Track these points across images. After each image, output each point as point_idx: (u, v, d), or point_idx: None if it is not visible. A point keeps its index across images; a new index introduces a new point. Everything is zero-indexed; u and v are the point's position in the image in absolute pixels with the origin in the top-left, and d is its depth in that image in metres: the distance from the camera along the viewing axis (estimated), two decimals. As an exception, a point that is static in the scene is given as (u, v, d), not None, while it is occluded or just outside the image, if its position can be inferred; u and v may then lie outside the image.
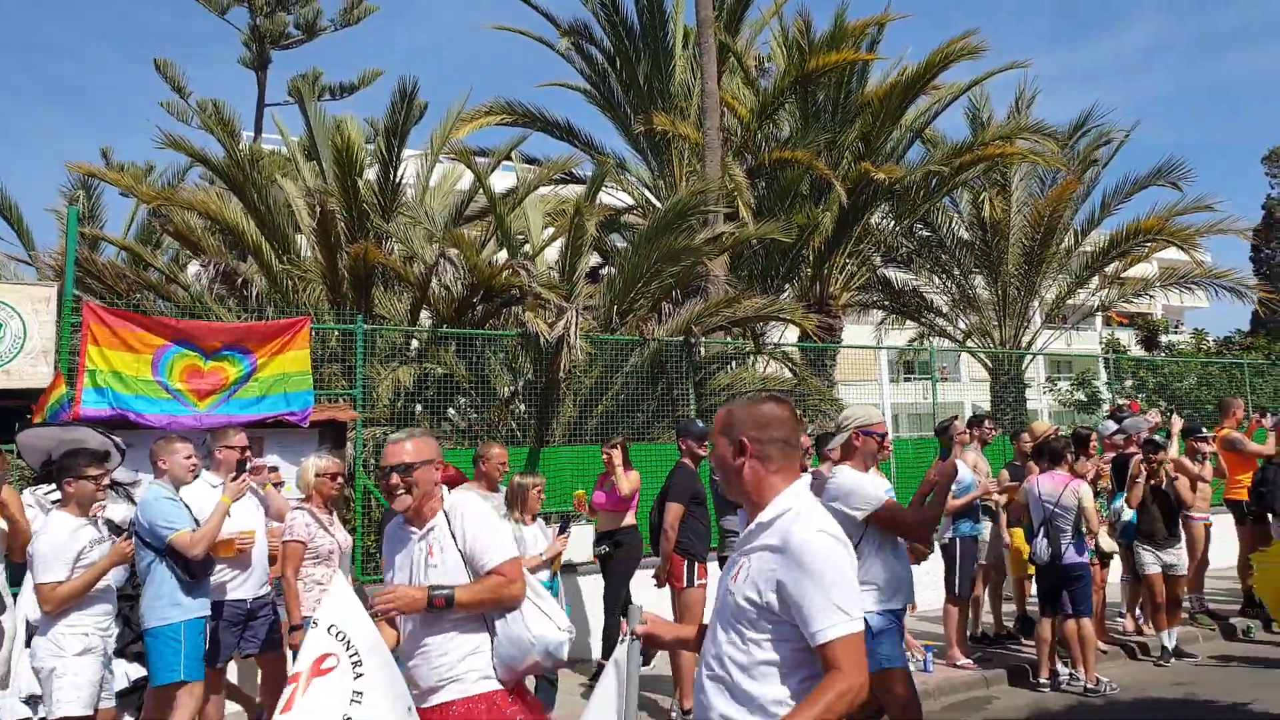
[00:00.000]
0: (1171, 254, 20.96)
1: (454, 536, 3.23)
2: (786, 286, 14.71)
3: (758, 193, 15.42)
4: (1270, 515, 8.65)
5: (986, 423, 8.63)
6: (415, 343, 10.00)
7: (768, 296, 11.68)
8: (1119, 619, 9.14)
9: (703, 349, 10.23)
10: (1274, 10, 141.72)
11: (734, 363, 11.40)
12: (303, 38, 29.01)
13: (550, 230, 13.51)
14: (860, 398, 14.80)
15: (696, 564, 6.50)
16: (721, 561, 6.85)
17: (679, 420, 8.30)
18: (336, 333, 9.43)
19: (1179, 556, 8.32)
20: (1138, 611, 8.95)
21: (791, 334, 13.66)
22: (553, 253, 12.64)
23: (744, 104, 15.93)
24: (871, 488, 4.63)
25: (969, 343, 18.37)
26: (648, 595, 6.84)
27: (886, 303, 18.90)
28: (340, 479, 5.14)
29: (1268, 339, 23.20)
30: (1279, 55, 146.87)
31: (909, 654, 7.86)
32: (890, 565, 4.63)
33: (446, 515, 3.28)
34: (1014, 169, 17.33)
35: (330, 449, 7.27)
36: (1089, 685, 7.11)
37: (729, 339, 11.02)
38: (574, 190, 15.43)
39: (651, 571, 6.82)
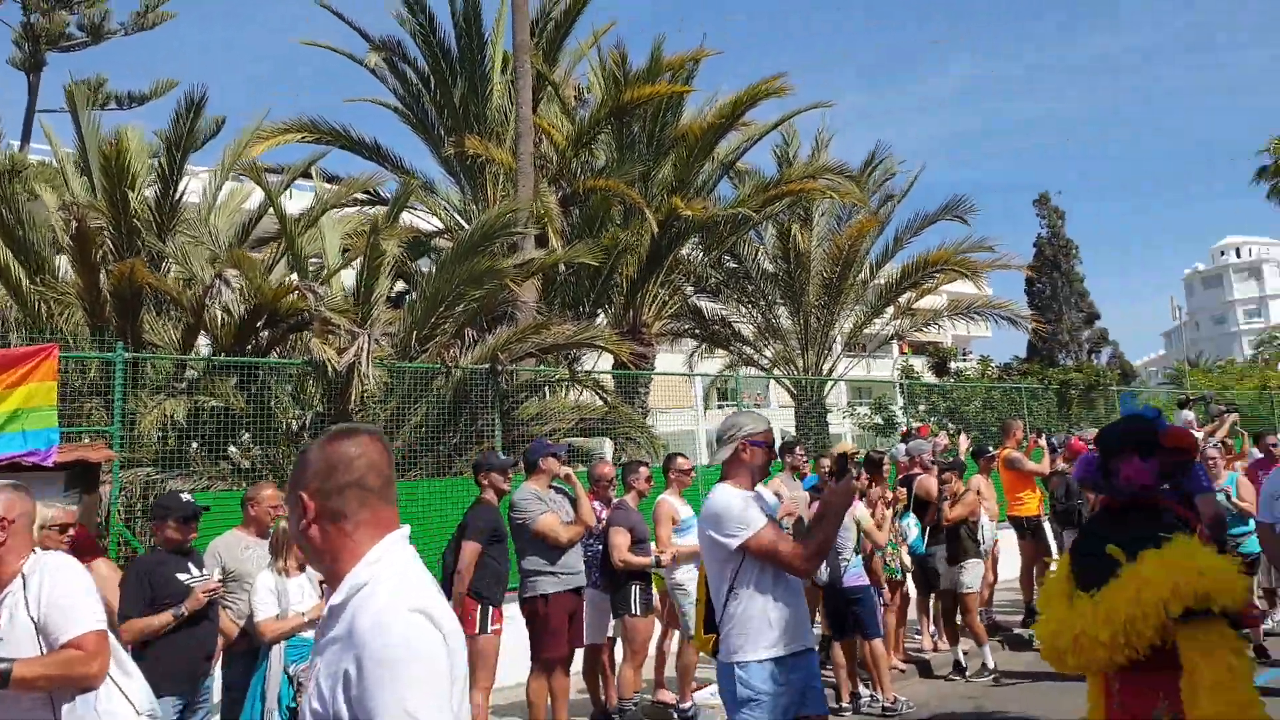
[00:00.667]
0: (958, 286, 22.43)
1: (27, 603, 2.79)
2: (599, 314, 14.59)
3: (571, 221, 15.33)
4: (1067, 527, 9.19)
5: (798, 449, 8.71)
6: (191, 372, 9.10)
7: (580, 323, 11.45)
8: (915, 636, 9.40)
9: (511, 377, 9.85)
10: (1047, 60, 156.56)
11: (545, 391, 11.10)
12: (87, 40, 26.71)
13: (350, 252, 12.80)
14: (674, 425, 14.83)
15: (491, 608, 6.12)
16: (522, 604, 6.50)
17: (482, 452, 7.89)
18: (97, 362, 8.44)
19: (973, 573, 8.55)
20: (932, 628, 9.24)
21: (605, 362, 13.53)
22: (353, 276, 11.97)
23: (561, 132, 15.82)
24: (747, 509, 3.70)
25: (775, 370, 18.89)
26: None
27: (697, 331, 19.19)
28: (71, 530, 4.44)
29: (1040, 365, 25.24)
30: (1051, 105, 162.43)
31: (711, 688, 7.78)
32: (775, 603, 3.67)
33: (24, 578, 2.82)
34: (816, 204, 18.08)
35: (81, 493, 6.42)
36: (886, 704, 7.20)
37: (540, 366, 10.70)
38: (382, 211, 14.77)
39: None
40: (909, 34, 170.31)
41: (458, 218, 15.96)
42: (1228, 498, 8.60)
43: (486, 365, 9.58)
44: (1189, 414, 16.20)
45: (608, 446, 13.07)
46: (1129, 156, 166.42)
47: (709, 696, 7.61)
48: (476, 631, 6.03)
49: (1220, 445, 10.63)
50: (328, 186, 14.69)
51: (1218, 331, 79.23)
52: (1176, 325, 50.32)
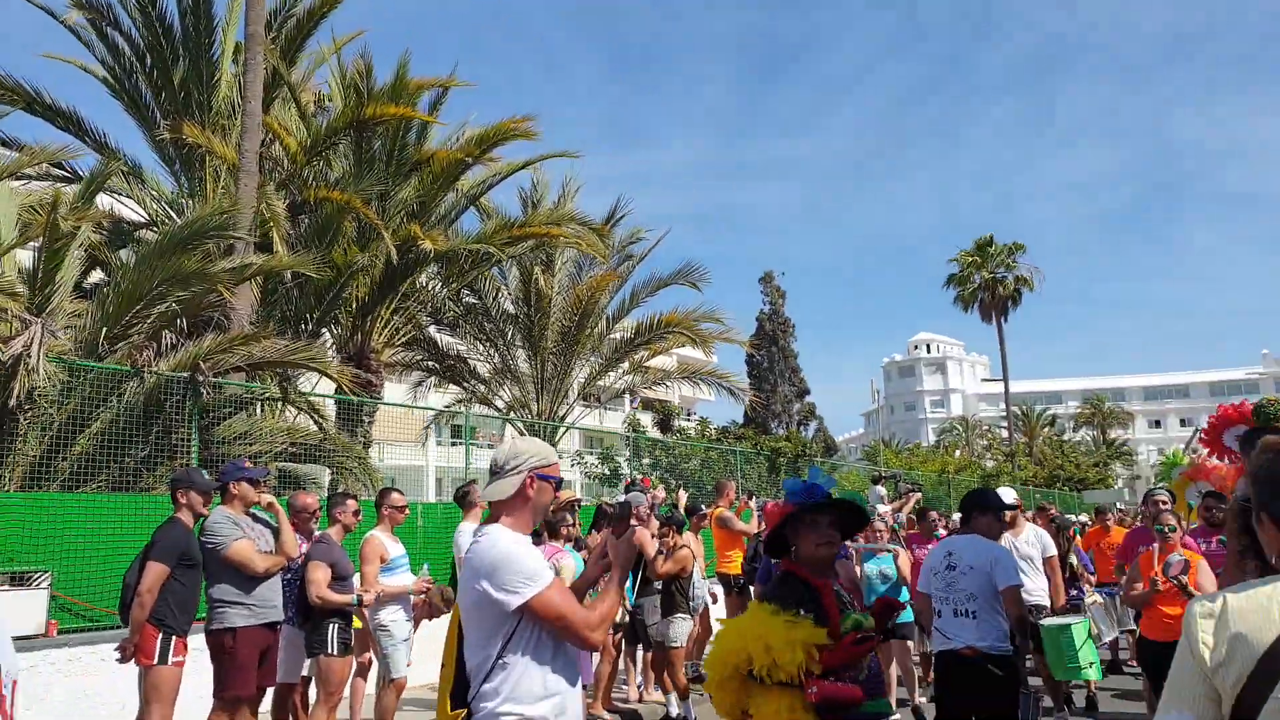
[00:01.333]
0: (688, 351, 23.39)
1: None
2: (324, 334, 13.68)
3: (299, 231, 14.34)
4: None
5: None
6: None
7: (300, 341, 10.59)
8: (623, 687, 9.34)
9: (214, 389, 8.87)
10: (774, 152, 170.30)
11: (256, 408, 10.11)
12: None
13: (35, 228, 11.13)
14: (400, 459, 14.11)
15: (173, 638, 5.38)
16: (208, 636, 5.75)
17: (177, 469, 7.00)
18: None
19: (679, 628, 8.52)
20: (639, 679, 9.22)
21: (328, 385, 12.65)
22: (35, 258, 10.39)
23: (294, 137, 14.85)
24: (533, 560, 2.97)
25: (510, 413, 18.63)
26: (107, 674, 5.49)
27: (431, 364, 18.54)
28: None
29: (755, 431, 26.80)
30: (775, 191, 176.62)
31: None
32: (553, 676, 2.93)
33: None
34: (559, 251, 18.18)
35: None
36: None
37: (251, 382, 9.75)
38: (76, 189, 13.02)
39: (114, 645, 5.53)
40: (648, 105, 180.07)
41: (169, 210, 14.44)
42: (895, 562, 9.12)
43: (186, 373, 8.57)
44: (881, 489, 17.67)
45: (326, 475, 12.20)
46: (846, 244, 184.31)
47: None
48: (155, 662, 5.35)
49: (908, 519, 11.60)
50: (6, 152, 12.74)
51: (909, 417, 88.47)
52: (875, 408, 55.47)
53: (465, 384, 18.90)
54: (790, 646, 3.32)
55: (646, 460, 17.51)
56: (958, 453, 42.96)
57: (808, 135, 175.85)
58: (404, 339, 16.12)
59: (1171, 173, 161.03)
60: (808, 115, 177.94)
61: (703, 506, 10.69)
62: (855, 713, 3.38)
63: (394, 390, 18.89)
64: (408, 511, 7.24)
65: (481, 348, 18.78)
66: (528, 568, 2.89)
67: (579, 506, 8.89)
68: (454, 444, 25.37)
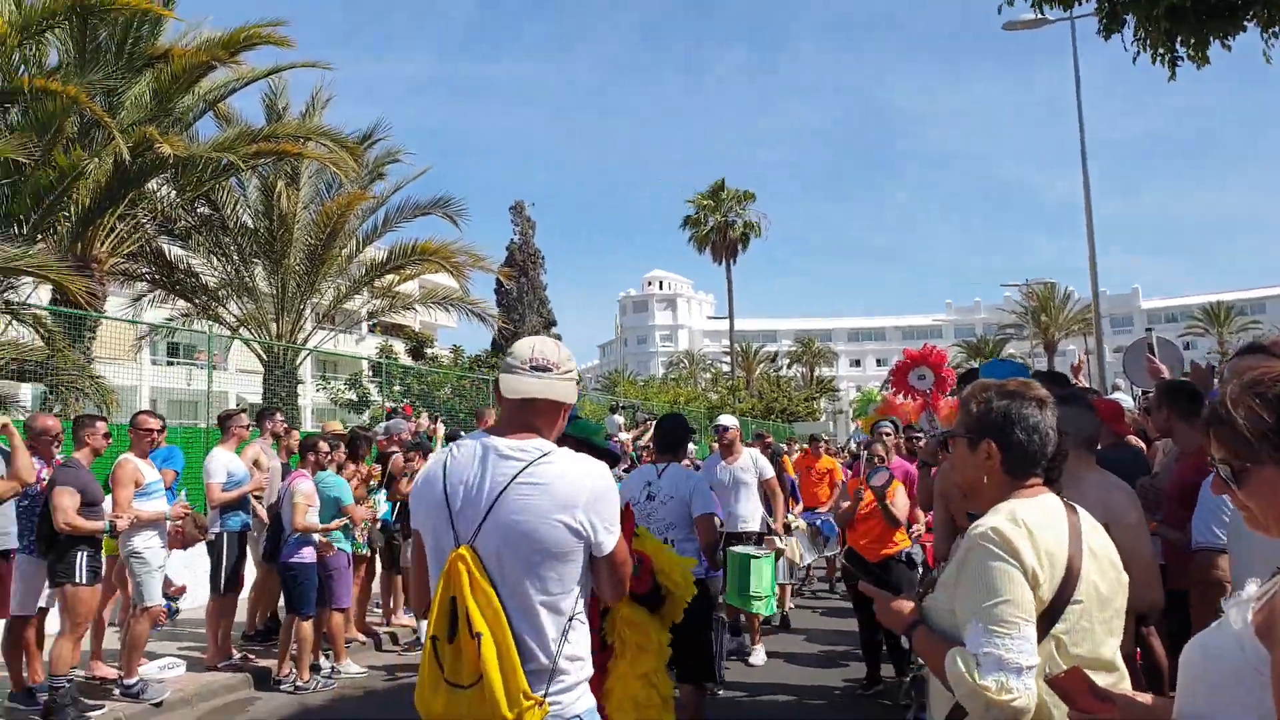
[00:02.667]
0: (434, 277, 23.09)
1: None
2: (40, 239, 12.34)
3: (9, 121, 12.75)
4: None
5: (278, 415, 8.31)
6: None
7: (18, 246, 9.59)
8: (376, 609, 9.54)
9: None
10: (519, 74, 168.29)
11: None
12: None
13: None
14: (119, 377, 13.12)
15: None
16: None
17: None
18: None
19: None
20: (392, 602, 9.44)
21: (42, 296, 11.51)
22: None
23: (1, 15, 13.04)
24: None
25: (243, 331, 17.68)
26: None
27: (159, 277, 17.15)
28: None
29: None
30: (527, 116, 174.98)
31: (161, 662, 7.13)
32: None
33: None
34: (306, 165, 17.31)
35: None
36: (299, 683, 7.08)
37: (-45, 290, 8.76)
38: None
39: None
40: (388, 10, 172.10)
41: None
42: None
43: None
44: (619, 418, 18.66)
45: (26, 391, 11.15)
46: (589, 177, 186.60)
47: (156, 670, 6.97)
48: None
49: (647, 448, 12.47)
50: None
51: (640, 350, 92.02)
52: (611, 340, 57.23)
53: (195, 299, 17.67)
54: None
55: (397, 387, 17.37)
56: (688, 386, 45.64)
57: (551, 61, 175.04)
58: (130, 248, 14.82)
59: (880, 131, 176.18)
60: (549, 41, 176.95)
61: (461, 433, 10.96)
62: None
63: (112, 303, 17.34)
64: (162, 434, 6.98)
65: (216, 262, 17.60)
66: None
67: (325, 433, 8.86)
68: (170, 362, 23.66)
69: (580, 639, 2.32)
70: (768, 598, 7.61)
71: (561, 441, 2.50)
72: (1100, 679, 2.05)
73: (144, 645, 6.63)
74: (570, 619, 2.28)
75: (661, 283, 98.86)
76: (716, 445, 8.81)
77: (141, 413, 7.02)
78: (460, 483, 2.32)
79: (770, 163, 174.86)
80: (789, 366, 69.21)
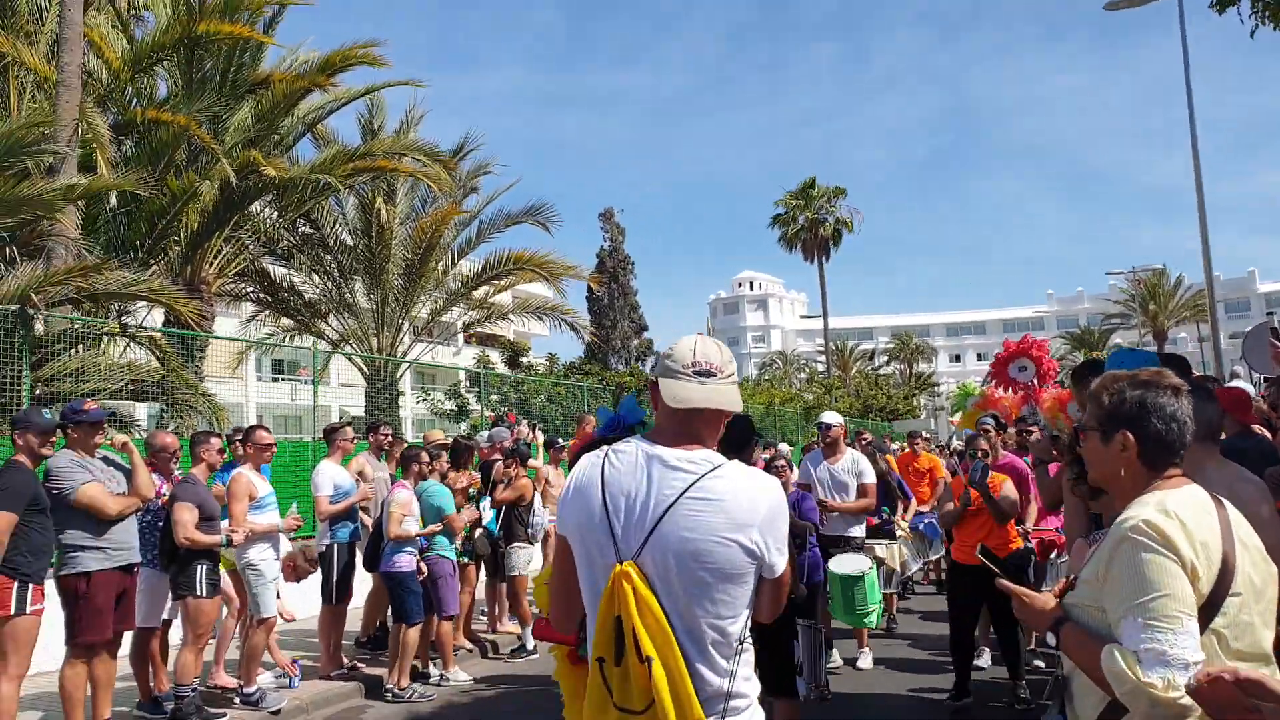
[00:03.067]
0: (526, 287, 23.36)
1: None
2: (152, 264, 12.89)
3: (124, 152, 13.39)
4: None
5: (383, 428, 8.47)
6: None
7: (134, 271, 10.02)
8: (481, 617, 9.62)
9: (43, 324, 8.34)
10: (602, 84, 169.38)
11: (85, 344, 9.54)
12: None
13: None
14: (227, 394, 13.62)
15: (30, 586, 5.19)
16: (60, 582, 5.59)
17: (15, 411, 6.62)
18: None
19: (519, 557, 8.68)
20: (496, 610, 9.49)
21: (156, 318, 12.01)
22: None
23: (113, 49, 13.72)
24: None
25: (345, 346, 18.19)
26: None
27: (263, 296, 17.79)
28: None
29: (599, 367, 27.30)
30: (614, 124, 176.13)
31: (277, 671, 7.31)
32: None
33: None
34: (401, 182, 17.71)
35: None
36: (395, 690, 7.11)
37: (80, 315, 9.19)
38: None
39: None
40: (474, 27, 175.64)
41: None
42: None
43: (14, 306, 8.00)
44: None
45: (142, 411, 11.60)
46: (675, 182, 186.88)
47: (272, 680, 7.14)
48: (12, 612, 5.16)
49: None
50: None
51: (733, 352, 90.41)
52: (702, 342, 56.89)
53: (299, 317, 18.27)
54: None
55: (495, 397, 17.61)
56: (782, 386, 45.17)
57: (635, 69, 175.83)
58: (235, 269, 15.39)
59: (972, 123, 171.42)
60: (634, 49, 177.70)
61: (559, 440, 11.00)
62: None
63: (222, 323, 18.07)
64: (275, 449, 7.18)
65: (317, 280, 18.16)
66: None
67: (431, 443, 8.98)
68: (275, 379, 24.48)
69: (749, 662, 2.16)
70: (876, 609, 7.36)
71: (597, 442, 2.47)
72: (1263, 672, 1.92)
73: (261, 655, 6.79)
74: (740, 643, 2.11)
75: (752, 283, 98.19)
76: (819, 444, 8.56)
77: (258, 428, 7.21)
78: (622, 493, 2.13)
79: (862, 159, 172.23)
80: (886, 364, 67.83)
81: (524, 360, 27.09)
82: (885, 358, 69.46)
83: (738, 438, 4.77)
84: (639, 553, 2.06)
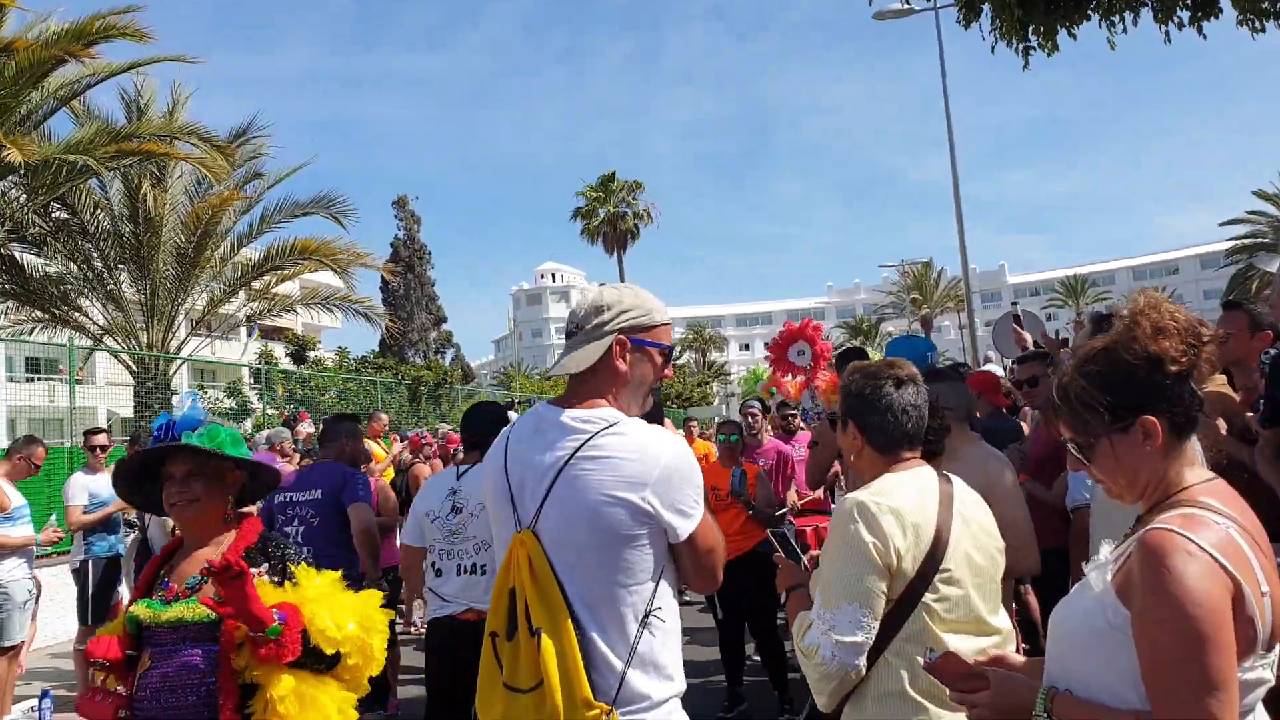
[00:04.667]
0: (315, 276, 22.35)
1: None
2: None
3: None
4: None
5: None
6: None
7: None
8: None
9: None
10: (400, 66, 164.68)
11: None
12: None
13: None
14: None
15: None
16: None
17: None
18: None
19: None
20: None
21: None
22: None
23: None
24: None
25: (109, 341, 16.75)
26: None
27: (9, 286, 16.08)
28: None
29: (395, 360, 26.52)
30: (411, 110, 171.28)
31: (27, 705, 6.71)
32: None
33: None
34: (174, 166, 16.50)
35: None
36: None
37: None
38: None
39: None
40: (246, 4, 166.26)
41: None
42: None
43: None
44: (515, 414, 18.46)
45: None
46: (477, 170, 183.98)
47: (21, 714, 6.54)
48: None
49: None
50: None
51: (535, 343, 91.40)
52: (505, 335, 56.63)
53: (54, 309, 16.65)
54: None
55: (280, 393, 16.78)
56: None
57: (434, 53, 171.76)
58: (-22, 258, 13.86)
59: (762, 121, 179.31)
60: (433, 32, 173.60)
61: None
62: None
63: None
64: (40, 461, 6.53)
65: (75, 269, 16.61)
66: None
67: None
68: (29, 379, 22.21)
69: (663, 643, 1.95)
70: None
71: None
72: (982, 642, 2.17)
73: (12, 689, 6.21)
74: (645, 615, 1.92)
75: (554, 275, 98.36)
76: None
77: (31, 437, 6.56)
78: (520, 461, 2.02)
79: (657, 154, 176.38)
80: (681, 354, 69.91)
81: (311, 355, 25.96)
82: (680, 347, 71.59)
83: (480, 429, 4.23)
84: (535, 520, 1.95)
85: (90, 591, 7.03)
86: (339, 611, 2.48)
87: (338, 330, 43.89)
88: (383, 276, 26.43)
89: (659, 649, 1.94)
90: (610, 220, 47.83)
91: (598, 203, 48.09)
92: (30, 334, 16.90)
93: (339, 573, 2.65)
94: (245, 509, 2.83)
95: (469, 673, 3.59)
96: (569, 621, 1.85)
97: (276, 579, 2.53)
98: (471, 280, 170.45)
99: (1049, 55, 7.23)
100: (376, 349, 30.17)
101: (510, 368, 43.43)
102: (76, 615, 7.06)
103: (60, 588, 8.07)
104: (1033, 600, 5.02)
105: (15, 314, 17.01)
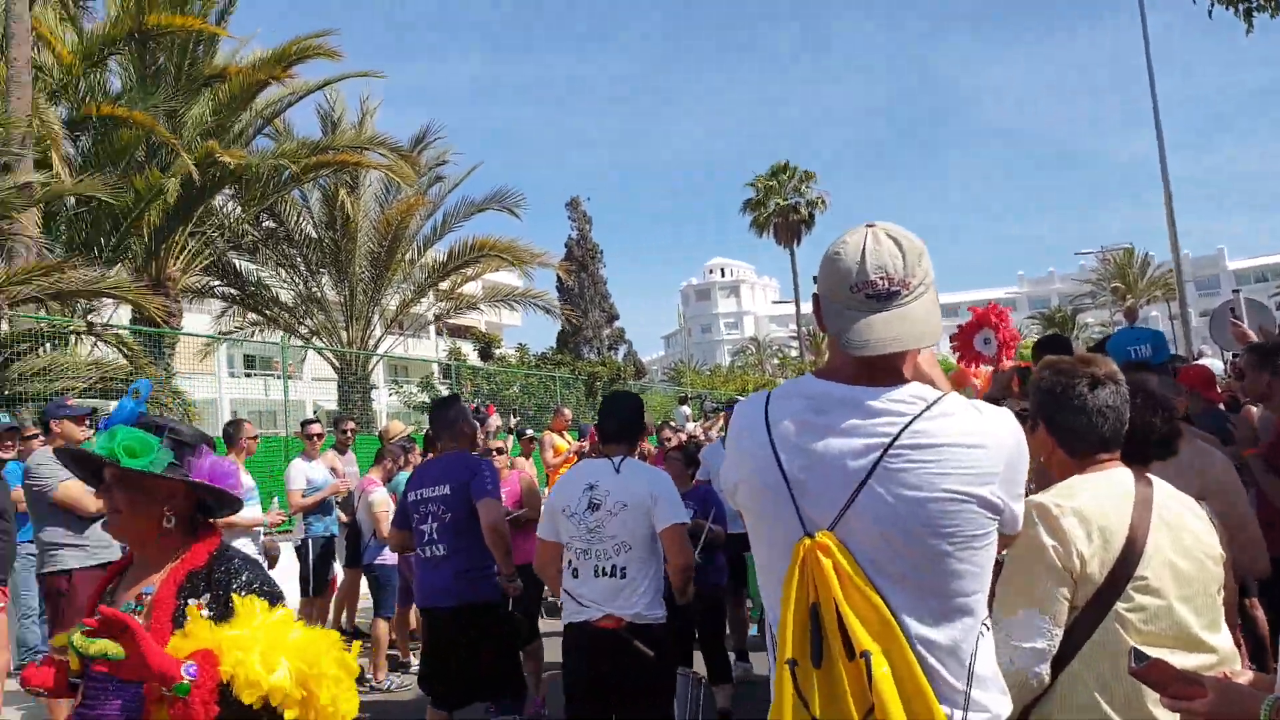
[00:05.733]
0: (495, 276, 23.26)
1: None
2: (117, 261, 12.73)
3: (81, 149, 13.19)
4: None
5: (349, 424, 8.48)
6: None
7: (98, 270, 9.89)
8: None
9: (8, 323, 8.21)
10: (574, 70, 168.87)
11: (52, 343, 9.40)
12: None
13: None
14: (200, 390, 13.49)
15: (-6, 585, 5.13)
16: (42, 579, 5.54)
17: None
18: None
19: None
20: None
21: (119, 316, 11.84)
22: None
23: (63, 43, 13.46)
24: None
25: (315, 340, 18.05)
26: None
27: (231, 292, 17.61)
28: None
29: (571, 356, 27.32)
30: (573, 112, 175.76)
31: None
32: None
33: None
34: (364, 173, 17.57)
35: None
36: (374, 682, 7.03)
37: (46, 314, 9.06)
38: None
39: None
40: (419, 14, 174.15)
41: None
42: None
43: (-25, 306, 7.88)
44: (686, 409, 18.54)
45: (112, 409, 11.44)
46: (642, 168, 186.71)
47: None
48: None
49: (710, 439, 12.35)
50: None
51: (705, 339, 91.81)
52: (674, 331, 57.10)
53: (267, 312, 18.11)
54: None
55: (468, 388, 17.58)
56: (755, 373, 45.40)
57: (594, 53, 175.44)
58: (201, 265, 15.22)
59: (940, 103, 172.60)
60: (593, 32, 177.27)
61: (529, 430, 10.99)
62: None
63: (191, 320, 17.84)
64: (257, 442, 7.16)
65: (284, 274, 18.01)
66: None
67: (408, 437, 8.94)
68: (248, 374, 24.24)
69: (990, 655, 1.68)
70: None
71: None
72: (1193, 660, 1.97)
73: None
74: (982, 625, 1.64)
75: (723, 270, 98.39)
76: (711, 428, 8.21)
77: (240, 421, 7.16)
78: (802, 449, 1.63)
79: (829, 143, 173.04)
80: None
81: (496, 351, 27.09)
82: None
83: (622, 419, 3.94)
84: (836, 522, 1.60)
85: (310, 567, 7.57)
86: (274, 654, 2.01)
87: (517, 328, 45.60)
88: (558, 275, 27.22)
89: (990, 663, 1.66)
90: (781, 211, 47.20)
91: (769, 194, 47.51)
92: (251, 336, 18.45)
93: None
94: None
95: (607, 685, 3.63)
96: (903, 640, 1.54)
97: (215, 613, 2.10)
98: (642, 278, 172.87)
99: (1272, 16, 6.69)
100: (554, 345, 31.15)
101: (680, 363, 43.76)
102: (299, 588, 7.60)
103: (287, 564, 8.64)
104: (1260, 615, 4.50)
105: (237, 318, 18.62)
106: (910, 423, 1.59)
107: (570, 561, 3.74)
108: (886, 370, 1.65)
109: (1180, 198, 18.49)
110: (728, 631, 6.52)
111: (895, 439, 1.58)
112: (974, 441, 1.60)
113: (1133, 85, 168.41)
